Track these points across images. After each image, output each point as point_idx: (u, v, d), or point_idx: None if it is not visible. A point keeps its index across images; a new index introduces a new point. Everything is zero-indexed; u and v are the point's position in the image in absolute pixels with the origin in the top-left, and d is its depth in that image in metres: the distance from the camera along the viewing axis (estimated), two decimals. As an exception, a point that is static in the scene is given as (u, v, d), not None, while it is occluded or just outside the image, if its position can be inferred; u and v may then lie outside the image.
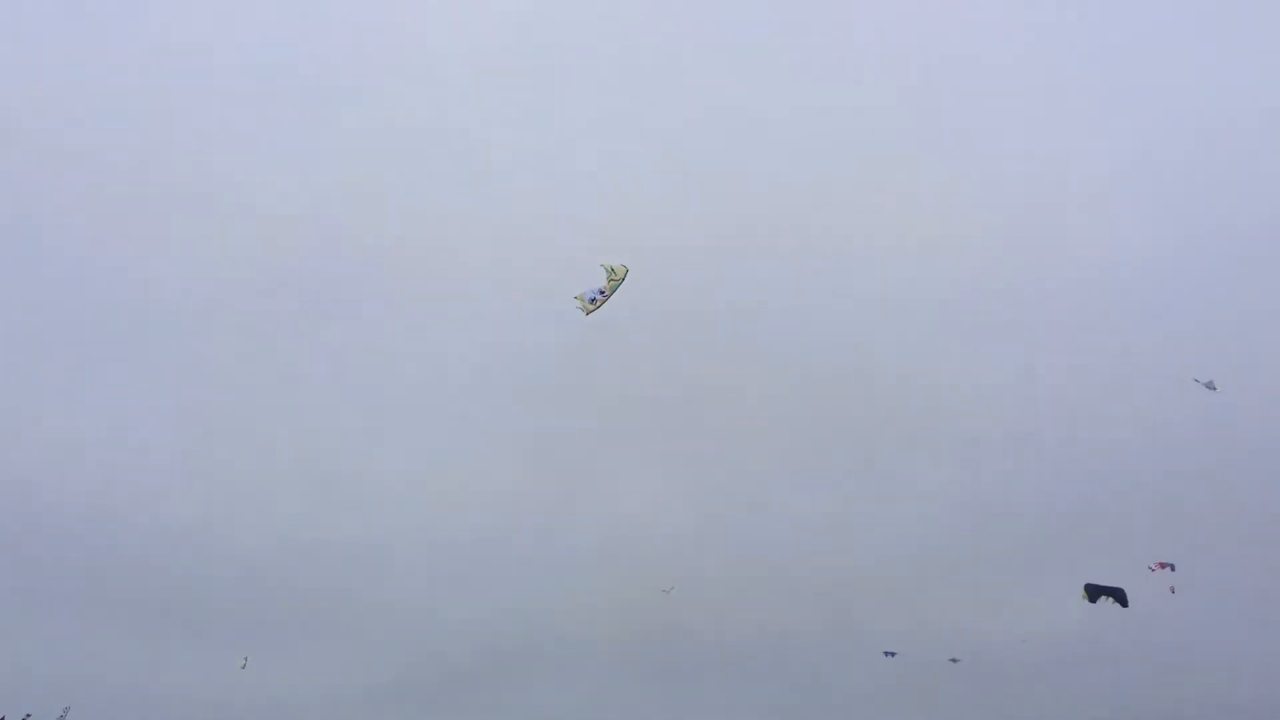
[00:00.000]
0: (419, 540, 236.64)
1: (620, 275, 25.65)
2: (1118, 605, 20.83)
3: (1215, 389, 30.00)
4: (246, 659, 79.19)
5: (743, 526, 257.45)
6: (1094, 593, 20.76)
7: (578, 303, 25.54)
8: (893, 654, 63.82)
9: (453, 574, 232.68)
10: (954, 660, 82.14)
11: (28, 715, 69.99)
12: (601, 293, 25.16)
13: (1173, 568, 26.30)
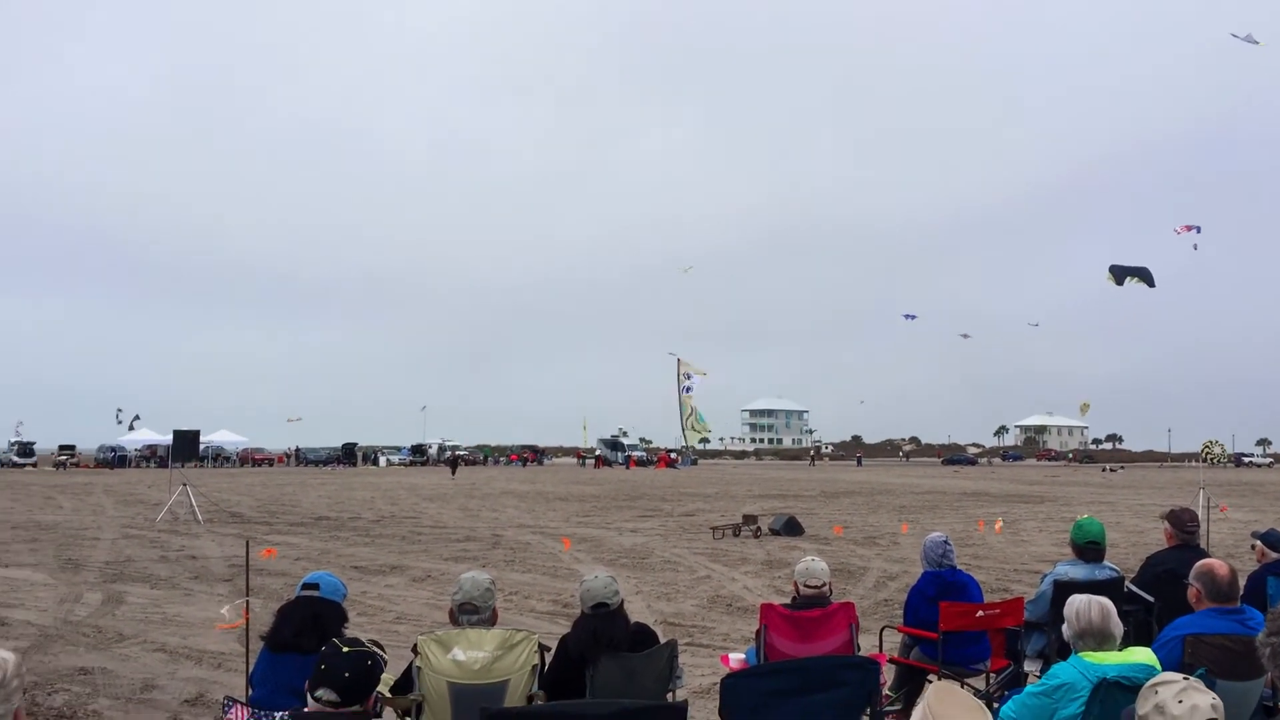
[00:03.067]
0: (444, 203, 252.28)
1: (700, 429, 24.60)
2: (1144, 285, 20.42)
3: (1258, 43, 28.41)
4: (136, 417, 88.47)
5: (776, 192, 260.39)
6: (1120, 274, 20.27)
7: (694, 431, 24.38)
8: (912, 316, 66.19)
9: (477, 240, 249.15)
10: (965, 336, 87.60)
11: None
12: (688, 390, 24.19)
13: (1198, 230, 26.25)
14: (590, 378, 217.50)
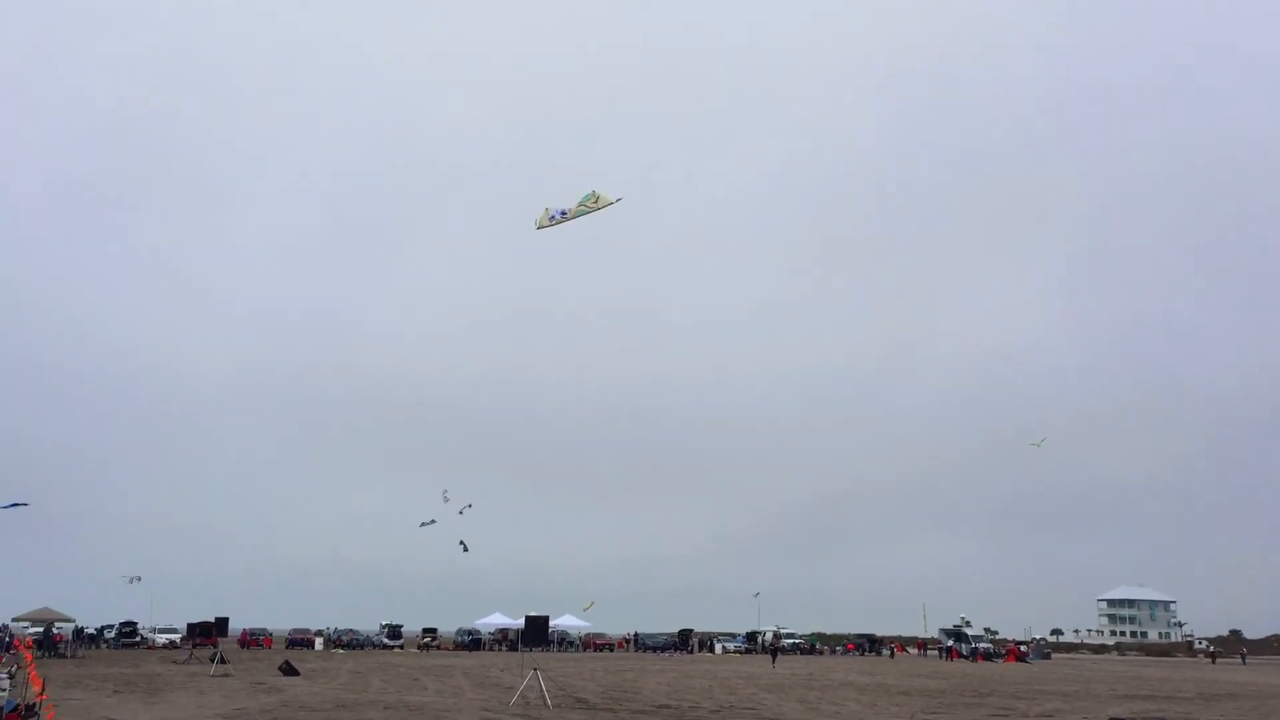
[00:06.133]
0: (754, 392, 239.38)
1: (598, 204, 23.82)
2: None
3: None
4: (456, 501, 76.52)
5: (1144, 354, 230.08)
6: None
7: (539, 219, 24.19)
8: None
9: (790, 432, 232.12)
10: None
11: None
12: (563, 213, 23.81)
13: None
14: (927, 560, 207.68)
